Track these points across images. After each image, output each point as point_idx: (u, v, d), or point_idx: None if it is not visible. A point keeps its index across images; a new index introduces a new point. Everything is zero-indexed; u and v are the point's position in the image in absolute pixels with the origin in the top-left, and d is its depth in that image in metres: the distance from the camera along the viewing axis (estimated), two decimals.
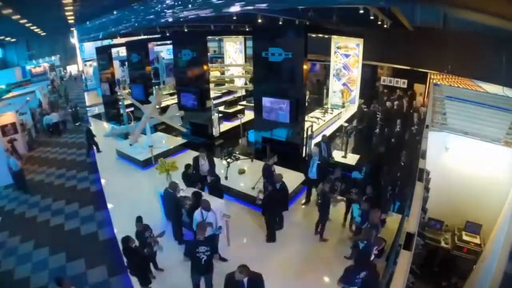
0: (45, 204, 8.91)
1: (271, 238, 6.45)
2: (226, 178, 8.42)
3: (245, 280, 4.02)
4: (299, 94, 9.18)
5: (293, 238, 6.66)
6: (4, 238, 7.63)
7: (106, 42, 19.06)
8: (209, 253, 4.67)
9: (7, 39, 30.39)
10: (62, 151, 13.17)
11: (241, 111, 14.35)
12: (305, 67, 8.92)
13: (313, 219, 6.75)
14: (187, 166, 7.32)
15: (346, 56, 13.93)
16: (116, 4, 11.33)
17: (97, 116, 17.21)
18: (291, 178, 8.33)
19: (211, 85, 13.77)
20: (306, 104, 11.07)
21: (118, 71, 20.16)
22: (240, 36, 17.70)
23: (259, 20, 8.43)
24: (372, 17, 7.62)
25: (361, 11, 6.74)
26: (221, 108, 14.31)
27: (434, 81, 12.48)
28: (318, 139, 11.33)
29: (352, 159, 9.56)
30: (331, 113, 13.33)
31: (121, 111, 14.51)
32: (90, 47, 22.65)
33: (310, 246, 6.39)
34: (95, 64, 20.57)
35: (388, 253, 5.69)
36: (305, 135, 9.63)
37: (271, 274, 5.73)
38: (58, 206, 8.78)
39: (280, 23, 9.45)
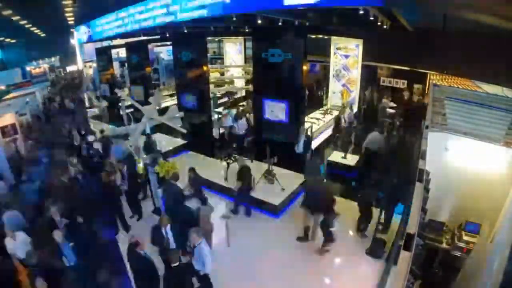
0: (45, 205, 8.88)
1: None
2: (225, 179, 8.42)
3: None
4: (299, 95, 9.19)
5: (295, 237, 6.66)
6: None
7: (105, 43, 19.07)
8: None
9: (7, 40, 30.46)
10: None
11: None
12: (304, 68, 8.93)
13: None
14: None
15: (346, 57, 13.93)
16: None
17: (97, 117, 17.22)
18: (291, 179, 8.35)
19: (211, 86, 13.75)
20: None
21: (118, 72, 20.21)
22: (240, 37, 17.70)
23: (259, 21, 8.44)
24: (371, 18, 7.63)
25: (361, 12, 6.75)
26: (221, 109, 14.31)
27: (434, 81, 12.49)
28: (319, 139, 11.40)
29: (352, 159, 9.56)
30: (331, 114, 13.35)
31: (121, 112, 14.51)
32: (90, 48, 22.65)
33: (311, 245, 6.39)
34: (94, 65, 20.61)
35: (388, 254, 5.70)
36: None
37: (272, 273, 5.74)
38: None
39: (280, 24, 9.46)
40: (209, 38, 15.97)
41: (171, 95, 17.71)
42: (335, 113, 13.44)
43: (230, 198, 7.91)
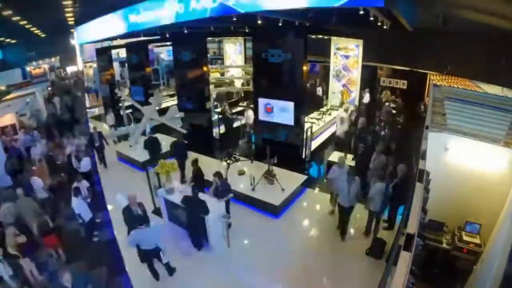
0: None
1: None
2: (226, 179, 8.41)
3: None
4: (299, 95, 9.19)
5: (295, 237, 6.66)
6: None
7: (106, 43, 19.06)
8: None
9: (7, 40, 30.43)
10: None
11: (241, 113, 14.34)
12: (305, 68, 8.93)
13: (312, 220, 6.74)
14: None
15: (346, 57, 13.93)
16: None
17: (97, 118, 17.24)
18: (291, 179, 8.34)
19: (211, 87, 13.77)
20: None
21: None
22: (240, 37, 17.70)
23: (259, 22, 8.43)
24: (371, 18, 7.62)
25: (361, 12, 6.74)
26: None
27: (434, 81, 12.49)
28: (318, 140, 11.39)
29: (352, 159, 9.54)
30: (330, 115, 13.35)
31: (121, 113, 14.52)
32: (90, 48, 22.62)
33: (311, 246, 6.40)
34: (95, 65, 20.59)
35: (388, 254, 5.69)
36: (305, 136, 9.63)
37: (272, 273, 5.74)
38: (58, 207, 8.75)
39: (280, 24, 9.45)
40: (209, 38, 15.95)
41: (171, 95, 17.75)
42: (335, 113, 13.46)
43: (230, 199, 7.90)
